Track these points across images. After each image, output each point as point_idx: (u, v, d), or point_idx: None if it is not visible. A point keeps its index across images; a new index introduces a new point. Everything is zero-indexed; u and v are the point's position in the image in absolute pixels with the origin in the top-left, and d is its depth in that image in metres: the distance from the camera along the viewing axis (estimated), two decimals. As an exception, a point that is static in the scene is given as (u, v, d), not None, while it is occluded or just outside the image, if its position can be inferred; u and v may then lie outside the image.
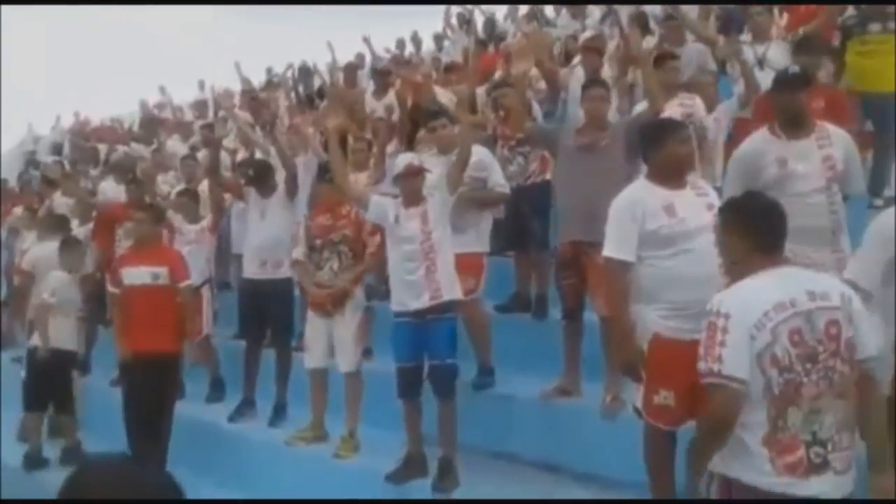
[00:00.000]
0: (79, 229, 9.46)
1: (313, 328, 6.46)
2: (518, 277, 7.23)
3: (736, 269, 3.31)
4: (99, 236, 9.43)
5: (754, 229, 3.25)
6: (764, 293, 3.09)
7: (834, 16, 7.54)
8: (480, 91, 8.63)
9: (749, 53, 6.85)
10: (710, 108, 6.55)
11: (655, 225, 4.19)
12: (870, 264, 3.64)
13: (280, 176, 7.57)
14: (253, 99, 12.33)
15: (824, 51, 6.81)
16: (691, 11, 8.25)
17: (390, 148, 8.08)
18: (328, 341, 6.37)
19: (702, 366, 3.09)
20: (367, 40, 14.02)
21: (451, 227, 5.58)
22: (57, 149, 17.86)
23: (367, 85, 11.59)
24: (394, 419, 5.69)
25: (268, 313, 7.36)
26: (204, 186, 8.81)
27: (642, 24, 8.75)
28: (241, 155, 10.21)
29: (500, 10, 15.15)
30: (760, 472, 3.06)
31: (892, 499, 3.14)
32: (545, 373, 5.93)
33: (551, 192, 6.54)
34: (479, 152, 6.12)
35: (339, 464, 6.06)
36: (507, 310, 7.06)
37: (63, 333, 7.84)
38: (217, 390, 8.17)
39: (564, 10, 13.03)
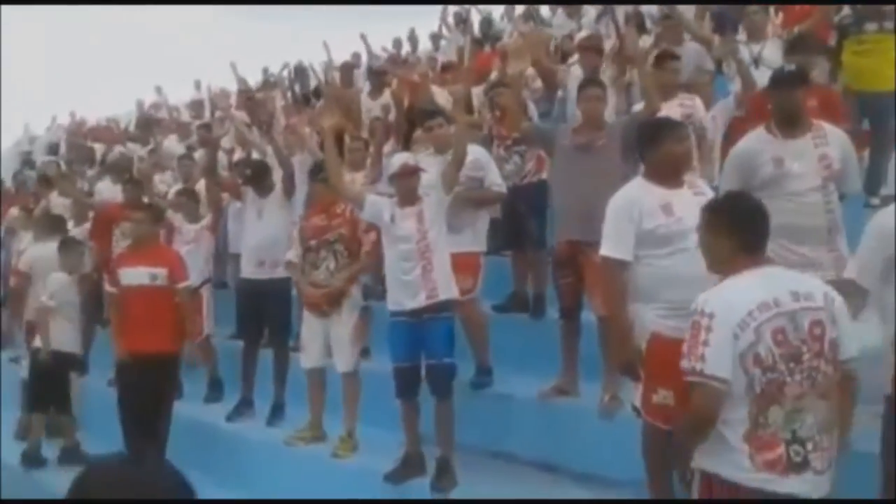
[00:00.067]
0: (75, 230, 9.43)
1: (309, 328, 6.45)
2: (515, 277, 7.23)
3: (719, 268, 3.33)
4: (96, 236, 9.40)
5: (738, 229, 3.27)
6: (748, 293, 3.12)
7: (828, 15, 7.56)
8: (477, 91, 8.64)
9: (744, 53, 6.86)
10: (706, 107, 6.57)
11: (652, 224, 4.20)
12: (869, 262, 3.65)
13: (277, 175, 7.56)
14: (249, 99, 12.31)
15: (818, 50, 6.81)
16: (688, 11, 8.25)
17: (387, 148, 8.09)
18: (324, 341, 6.36)
19: (685, 364, 3.14)
20: (364, 38, 14.00)
21: (448, 227, 5.58)
22: (53, 149, 17.77)
23: (364, 85, 11.58)
24: (392, 419, 5.69)
25: (265, 313, 7.37)
26: (201, 186, 8.81)
27: (639, 24, 8.75)
28: (237, 155, 10.21)
29: (497, 10, 15.18)
30: (739, 468, 3.09)
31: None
32: (543, 372, 5.93)
33: (548, 191, 6.53)
34: (475, 152, 6.12)
35: (338, 463, 6.07)
36: (504, 309, 7.07)
37: (63, 336, 7.83)
38: (215, 390, 8.17)
39: (560, 10, 13.01)
